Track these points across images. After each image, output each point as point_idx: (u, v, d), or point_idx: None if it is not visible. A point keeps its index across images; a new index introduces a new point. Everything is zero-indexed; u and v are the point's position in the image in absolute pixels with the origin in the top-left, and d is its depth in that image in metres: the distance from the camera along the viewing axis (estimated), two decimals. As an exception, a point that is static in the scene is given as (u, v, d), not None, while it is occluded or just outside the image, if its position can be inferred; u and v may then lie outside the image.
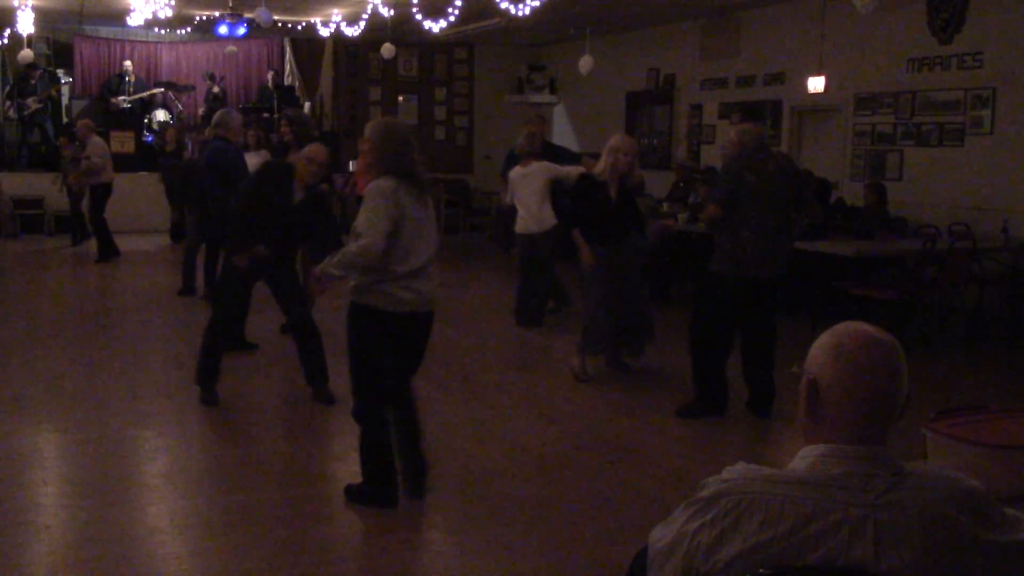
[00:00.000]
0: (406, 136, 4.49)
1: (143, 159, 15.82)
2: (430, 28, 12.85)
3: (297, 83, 18.41)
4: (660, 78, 14.76)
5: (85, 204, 13.16)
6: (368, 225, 4.34)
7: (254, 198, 6.22)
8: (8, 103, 16.60)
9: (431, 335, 4.72)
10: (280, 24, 14.97)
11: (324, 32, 15.34)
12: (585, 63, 13.23)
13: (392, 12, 12.62)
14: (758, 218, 5.93)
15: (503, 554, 4.20)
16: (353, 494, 4.75)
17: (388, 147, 4.41)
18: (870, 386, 1.80)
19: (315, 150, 6.22)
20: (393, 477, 4.68)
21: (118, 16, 14.70)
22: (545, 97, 17.69)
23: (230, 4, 13.12)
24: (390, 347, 4.54)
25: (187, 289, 10.20)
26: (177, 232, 13.96)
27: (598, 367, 7.34)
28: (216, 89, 17.31)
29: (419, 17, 12.41)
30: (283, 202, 6.16)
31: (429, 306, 4.59)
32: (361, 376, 4.57)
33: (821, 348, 1.86)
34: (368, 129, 4.52)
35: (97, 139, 12.86)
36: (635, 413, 6.36)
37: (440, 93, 18.06)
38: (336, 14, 14.23)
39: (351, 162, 16.00)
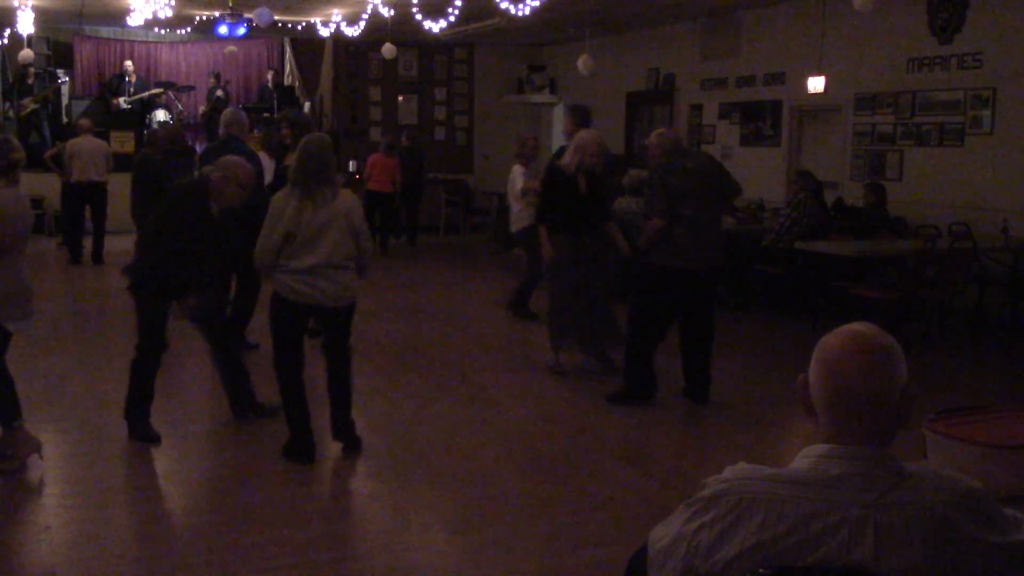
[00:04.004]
0: (316, 152, 5.05)
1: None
2: (430, 28, 12.83)
3: (297, 83, 18.41)
4: (660, 78, 14.75)
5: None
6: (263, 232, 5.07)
7: (170, 222, 5.48)
8: (7, 104, 16.57)
9: (350, 329, 5.31)
10: (280, 24, 14.95)
11: (324, 32, 15.32)
12: (584, 63, 13.19)
13: (392, 12, 12.60)
14: (689, 216, 6.17)
15: (503, 554, 4.20)
16: (285, 449, 5.26)
17: (299, 160, 5.07)
18: (840, 384, 1.80)
19: (242, 173, 5.46)
20: (304, 429, 5.21)
21: (118, 16, 14.68)
22: (545, 97, 17.66)
23: (230, 4, 13.10)
24: (296, 327, 5.22)
25: None
26: None
27: (586, 364, 7.37)
28: (220, 92, 17.29)
29: (419, 17, 12.40)
30: (200, 225, 5.44)
31: (335, 303, 5.11)
32: (273, 341, 5.28)
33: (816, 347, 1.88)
34: None
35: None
36: (634, 412, 6.36)
37: (440, 93, 18.05)
38: (336, 14, 14.22)
39: (351, 162, 16.02)
